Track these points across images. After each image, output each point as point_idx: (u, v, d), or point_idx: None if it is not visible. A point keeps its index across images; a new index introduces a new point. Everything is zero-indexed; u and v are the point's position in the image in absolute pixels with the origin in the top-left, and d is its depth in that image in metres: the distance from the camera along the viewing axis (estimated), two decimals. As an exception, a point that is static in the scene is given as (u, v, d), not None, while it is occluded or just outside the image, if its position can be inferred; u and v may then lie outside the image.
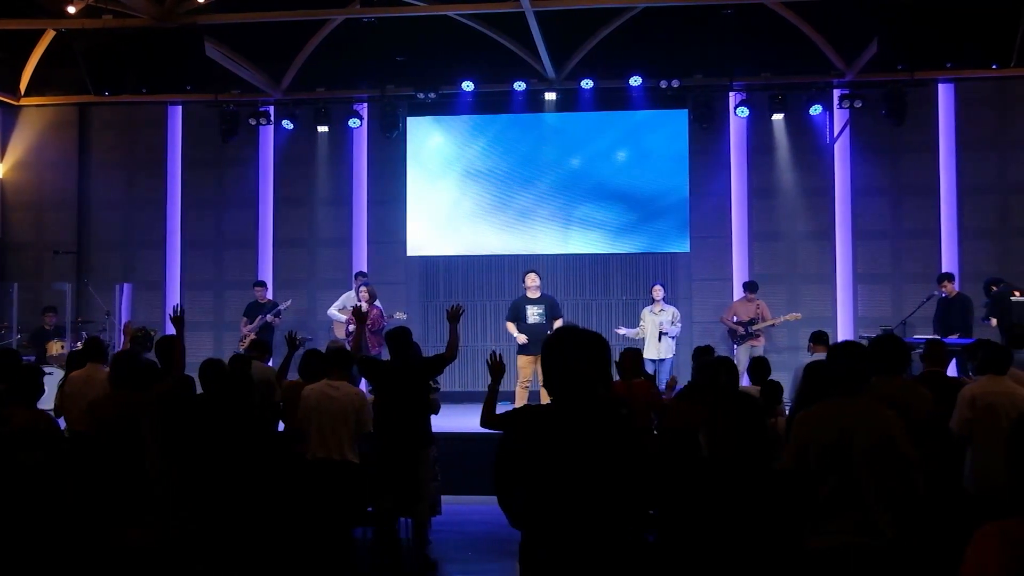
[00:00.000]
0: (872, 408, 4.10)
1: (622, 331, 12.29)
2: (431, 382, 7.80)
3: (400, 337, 7.22)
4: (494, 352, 5.55)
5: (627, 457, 3.15)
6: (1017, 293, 11.75)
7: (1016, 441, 2.45)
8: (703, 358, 5.71)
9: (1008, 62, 10.20)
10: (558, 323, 11.10)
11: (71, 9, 10.82)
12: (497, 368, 5.39)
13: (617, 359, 6.99)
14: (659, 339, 11.76)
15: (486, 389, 5.22)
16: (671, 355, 12.00)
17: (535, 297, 11.24)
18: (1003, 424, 5.74)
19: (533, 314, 11.08)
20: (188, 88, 11.24)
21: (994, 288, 11.96)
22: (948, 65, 10.73)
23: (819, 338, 8.93)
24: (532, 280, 11.29)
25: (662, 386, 8.80)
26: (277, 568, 6.23)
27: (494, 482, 3.26)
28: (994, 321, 11.52)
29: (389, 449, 7.01)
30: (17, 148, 14.92)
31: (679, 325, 12.14)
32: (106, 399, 5.92)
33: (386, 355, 7.82)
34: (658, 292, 12.19)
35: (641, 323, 12.18)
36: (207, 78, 11.64)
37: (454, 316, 7.39)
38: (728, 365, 5.55)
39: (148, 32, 10.90)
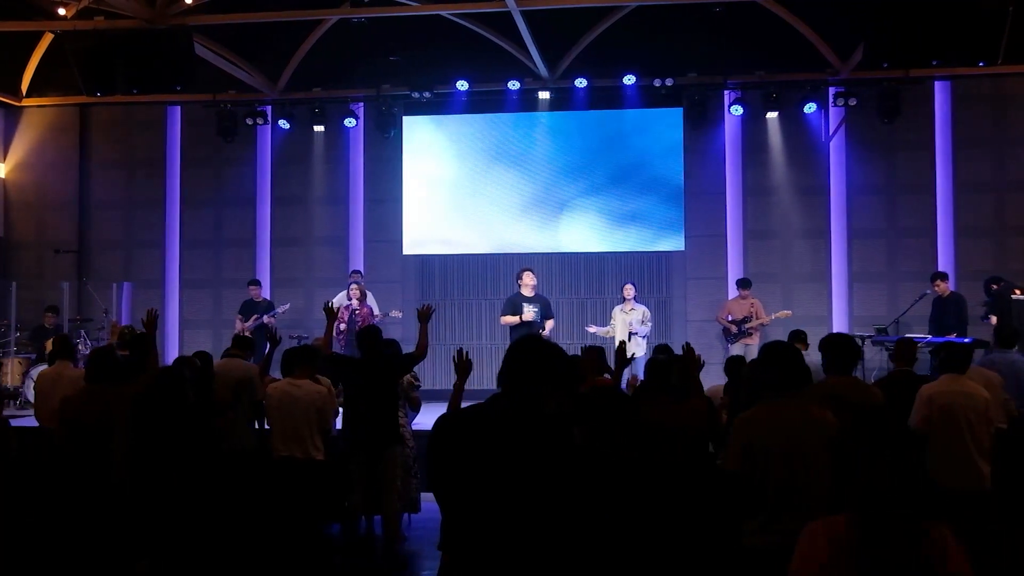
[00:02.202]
0: (812, 410, 4.10)
1: (592, 329, 12.28)
2: (412, 379, 7.87)
3: (369, 335, 7.28)
4: (461, 350, 5.55)
5: (552, 469, 3.09)
6: (1018, 291, 11.65)
7: (841, 446, 2.51)
8: (653, 356, 5.71)
9: (995, 59, 10.11)
10: (550, 324, 11.11)
11: (61, 11, 10.93)
12: (464, 367, 5.36)
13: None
14: (629, 338, 11.71)
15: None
16: (641, 354, 11.93)
17: (531, 296, 11.21)
18: (960, 424, 5.75)
19: (529, 312, 11.05)
20: (178, 88, 11.27)
21: (994, 286, 11.90)
22: (934, 63, 10.62)
23: (798, 336, 8.92)
24: (530, 279, 11.25)
25: None
26: (246, 566, 6.28)
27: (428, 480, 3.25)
28: (994, 319, 11.45)
29: (356, 446, 7.08)
30: (19, 148, 15.10)
31: (649, 324, 12.06)
32: (79, 394, 5.97)
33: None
34: (629, 291, 12.13)
35: (612, 322, 12.15)
36: (198, 78, 11.68)
37: (425, 315, 7.46)
38: (682, 363, 5.56)
39: (138, 33, 11.00)
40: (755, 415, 4.20)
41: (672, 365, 5.46)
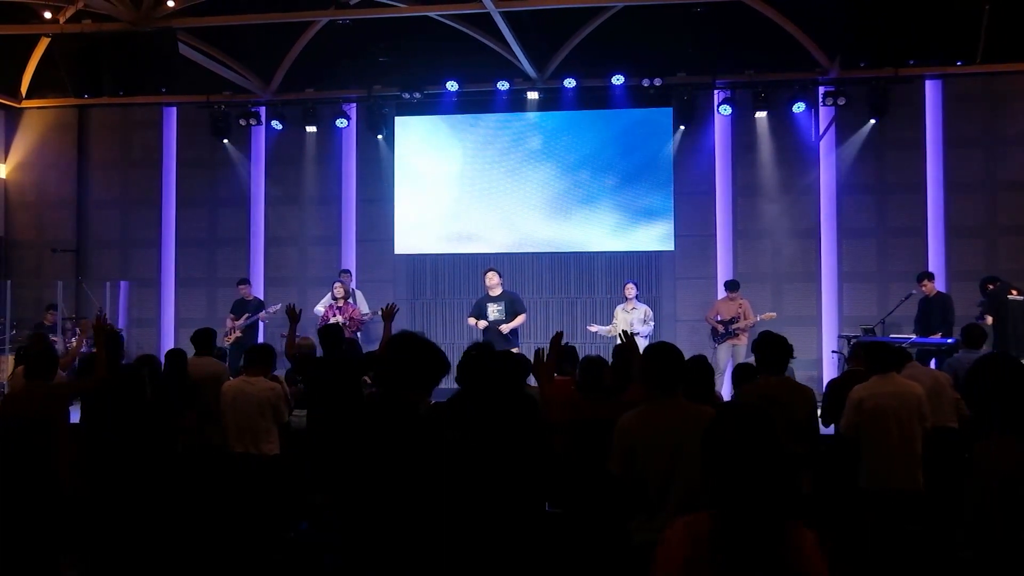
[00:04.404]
0: (694, 408, 4.14)
1: (594, 328, 12.34)
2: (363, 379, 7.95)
3: (331, 334, 7.39)
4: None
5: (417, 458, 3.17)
6: (1014, 292, 11.59)
7: (705, 447, 2.54)
8: (588, 355, 5.70)
9: (974, 59, 10.06)
10: (520, 319, 11.25)
11: (47, 15, 11.09)
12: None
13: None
14: (632, 338, 11.77)
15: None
16: None
17: (496, 295, 11.40)
18: (890, 425, 5.74)
19: (492, 312, 11.27)
20: (163, 90, 11.43)
21: (990, 286, 11.81)
22: (911, 63, 10.58)
23: (765, 338, 8.91)
24: (491, 279, 11.47)
25: None
26: (212, 562, 6.35)
27: None
28: (989, 319, 11.37)
29: (320, 443, 7.17)
30: (19, 149, 15.34)
31: (651, 324, 12.14)
32: (19, 390, 6.05)
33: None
34: (631, 290, 12.22)
35: (614, 321, 12.23)
36: (192, 80, 11.88)
37: (388, 315, 7.53)
38: (622, 355, 5.45)
39: (123, 36, 11.13)
40: (637, 417, 4.20)
41: (603, 364, 5.47)
